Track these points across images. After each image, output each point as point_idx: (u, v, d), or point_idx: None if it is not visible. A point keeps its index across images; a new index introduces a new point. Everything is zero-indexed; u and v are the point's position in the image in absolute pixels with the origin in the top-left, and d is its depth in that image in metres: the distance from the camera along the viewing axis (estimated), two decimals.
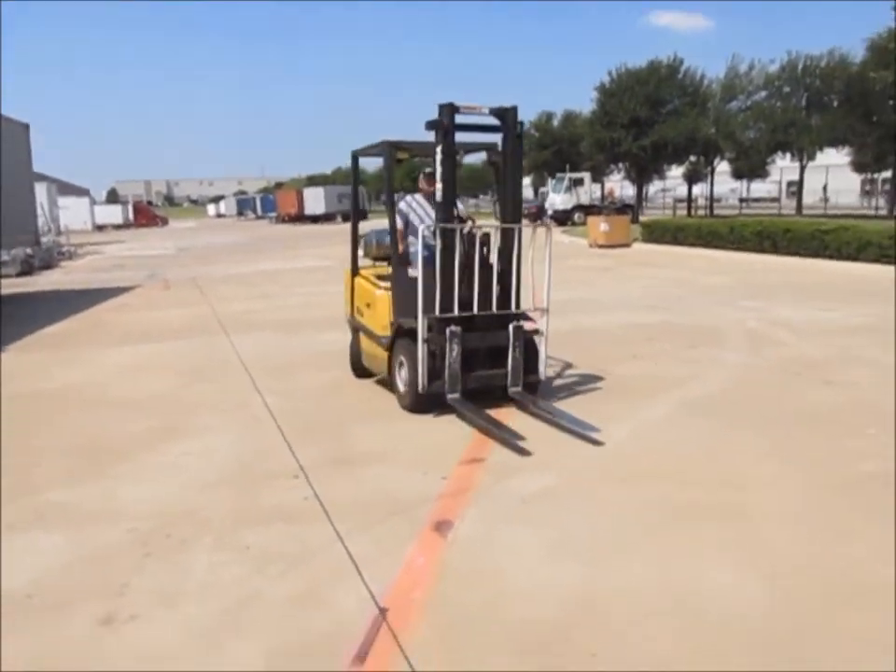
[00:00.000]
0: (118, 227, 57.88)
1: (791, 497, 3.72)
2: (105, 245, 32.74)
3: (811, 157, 34.93)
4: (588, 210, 29.54)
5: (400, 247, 5.61)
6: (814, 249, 15.11)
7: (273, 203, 62.56)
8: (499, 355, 5.27)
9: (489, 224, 5.64)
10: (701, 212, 39.22)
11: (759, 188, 52.69)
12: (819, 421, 4.94)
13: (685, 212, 38.53)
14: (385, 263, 6.05)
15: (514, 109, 5.13)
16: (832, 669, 2.35)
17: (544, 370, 5.50)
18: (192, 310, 10.96)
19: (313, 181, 75.24)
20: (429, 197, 5.58)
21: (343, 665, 2.42)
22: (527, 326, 5.32)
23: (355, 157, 6.35)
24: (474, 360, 5.21)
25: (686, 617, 2.67)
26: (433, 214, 5.40)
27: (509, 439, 4.49)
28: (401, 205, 5.89)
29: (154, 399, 5.94)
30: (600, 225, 20.72)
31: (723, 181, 47.38)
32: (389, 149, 5.51)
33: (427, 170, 5.75)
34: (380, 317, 5.65)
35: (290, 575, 3.03)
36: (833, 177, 40.12)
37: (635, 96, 32.77)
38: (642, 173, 36.50)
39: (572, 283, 11.89)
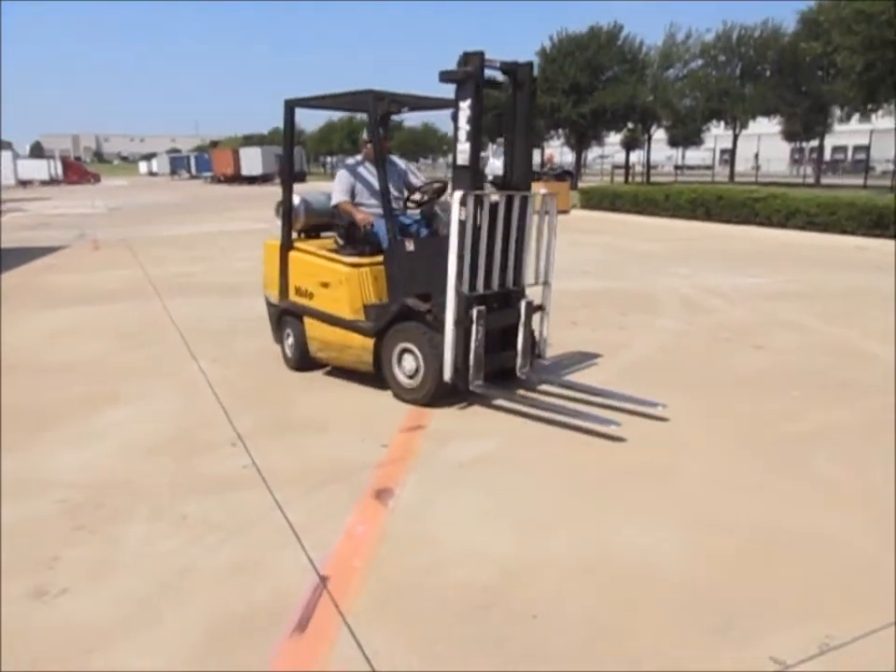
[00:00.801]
0: (45, 183, 55.46)
1: (716, 458, 3.85)
2: (29, 203, 31.34)
3: (744, 125, 35.72)
4: None
5: (359, 218, 5.09)
6: (745, 216, 15.54)
7: (208, 163, 60.81)
8: (507, 334, 4.88)
9: (500, 192, 4.94)
10: (638, 179, 39.73)
11: (694, 155, 53.65)
12: (747, 384, 5.12)
13: (623, 179, 38.96)
14: (308, 236, 5.57)
15: (529, 65, 4.67)
16: (744, 617, 2.46)
17: (545, 349, 5.21)
18: (125, 272, 10.60)
19: (250, 141, 73.25)
20: (375, 163, 5.10)
21: (283, 633, 2.43)
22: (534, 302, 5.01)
23: (290, 107, 5.30)
24: (489, 342, 4.68)
25: (614, 574, 2.76)
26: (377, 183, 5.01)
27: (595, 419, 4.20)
28: (342, 171, 5.39)
29: (86, 364, 5.76)
30: (539, 191, 20.73)
31: (660, 148, 47.94)
32: (374, 102, 4.77)
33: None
34: (350, 299, 4.91)
35: (229, 545, 3.01)
36: (765, 146, 41.07)
37: (575, 62, 32.76)
38: (581, 139, 36.68)
39: None
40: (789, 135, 39.25)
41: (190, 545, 3.00)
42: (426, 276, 4.63)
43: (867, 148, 31.50)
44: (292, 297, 5.40)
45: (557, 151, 45.43)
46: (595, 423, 4.17)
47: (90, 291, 9.07)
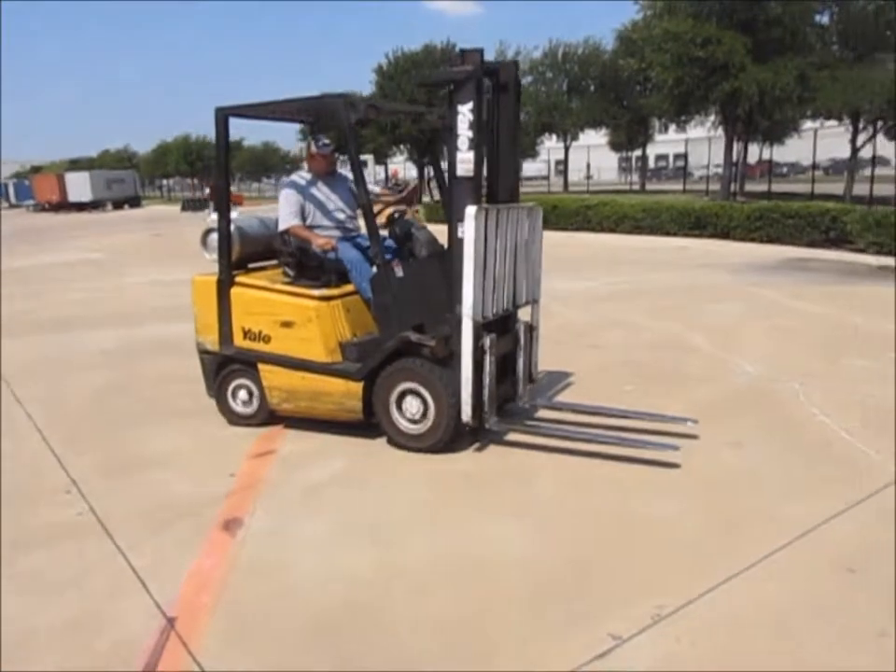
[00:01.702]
0: None
1: (564, 457, 4.06)
2: None
3: (574, 137, 37.76)
4: None
5: (319, 243, 4.43)
6: (579, 223, 16.43)
7: (29, 190, 56.64)
8: (505, 360, 4.43)
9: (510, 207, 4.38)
10: None
11: (530, 167, 55.96)
12: (586, 381, 5.42)
13: None
14: (240, 269, 4.75)
15: (514, 65, 4.35)
16: (599, 594, 2.63)
17: (537, 372, 4.83)
18: None
19: (76, 165, 68.96)
20: (325, 177, 4.74)
21: None
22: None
23: (223, 116, 4.53)
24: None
25: (473, 574, 2.85)
26: (335, 199, 4.67)
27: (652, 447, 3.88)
28: (288, 190, 4.65)
29: None
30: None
31: None
32: (345, 108, 4.12)
33: (325, 141, 4.75)
34: (323, 339, 4.25)
35: (69, 598, 2.84)
36: (595, 156, 43.42)
37: (412, 79, 33.39)
38: (424, 154, 37.40)
39: None
40: (615, 146, 41.80)
41: (28, 603, 2.80)
42: (419, 305, 4.20)
43: (685, 156, 34.13)
44: (238, 342, 4.57)
45: (402, 167, 46.12)
46: (651, 448, 3.89)
47: None
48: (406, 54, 34.56)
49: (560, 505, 3.48)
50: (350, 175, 4.64)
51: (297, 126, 45.42)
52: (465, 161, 3.95)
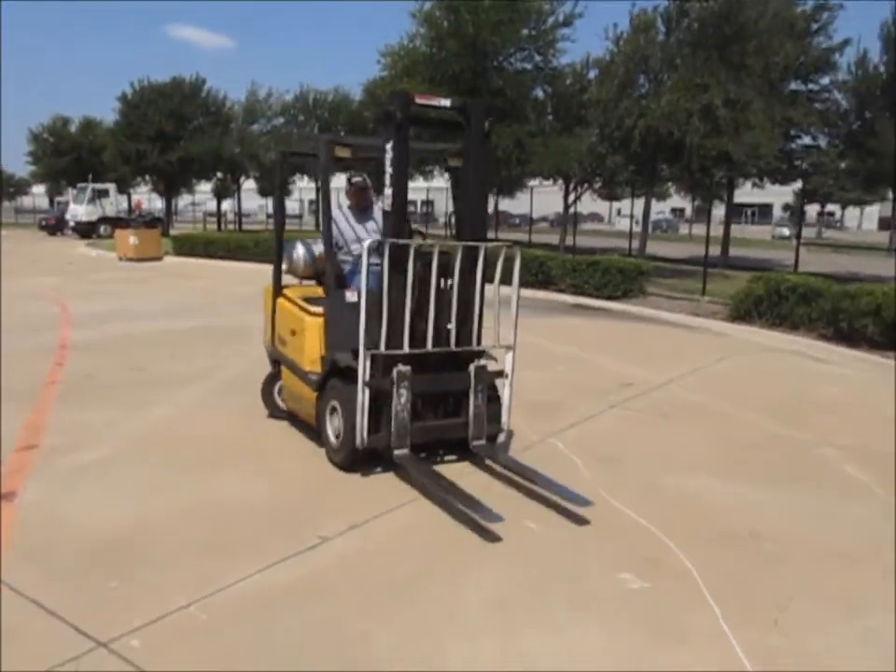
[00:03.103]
0: None
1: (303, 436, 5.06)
2: None
3: (318, 178, 39.21)
4: (115, 222, 28.82)
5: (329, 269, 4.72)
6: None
7: None
8: (456, 401, 4.55)
9: (447, 242, 4.70)
10: (231, 226, 40.89)
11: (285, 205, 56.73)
12: None
13: (216, 226, 39.75)
14: (314, 282, 5.25)
15: (482, 105, 4.53)
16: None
17: (508, 419, 4.72)
18: None
19: None
20: (357, 210, 5.20)
21: None
22: (490, 367, 4.62)
23: (284, 155, 6.18)
24: (426, 408, 4.45)
25: (214, 515, 3.74)
26: (359, 229, 5.02)
27: (479, 517, 3.67)
28: (331, 220, 4.89)
29: None
30: (129, 238, 20.67)
31: (252, 197, 49.87)
32: (327, 147, 4.62)
33: (356, 178, 5.19)
34: (308, 349, 4.72)
35: None
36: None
37: (159, 110, 32.88)
38: (170, 186, 36.70)
39: (106, 295, 12.12)
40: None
41: None
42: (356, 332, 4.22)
43: (429, 203, 37.13)
44: (276, 343, 5.31)
45: (146, 198, 44.53)
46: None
47: None
48: (153, 85, 33.92)
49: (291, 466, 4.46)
50: (379, 207, 4.75)
51: (25, 148, 42.18)
52: (387, 196, 4.20)
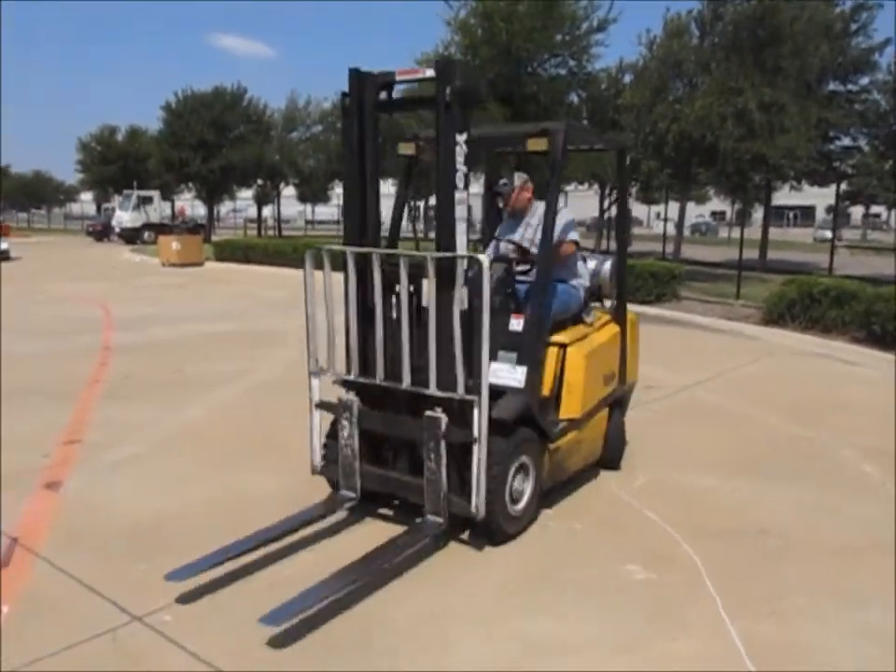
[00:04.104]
0: None
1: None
2: None
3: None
4: (159, 229, 29.63)
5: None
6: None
7: None
8: (416, 455, 3.60)
9: (417, 253, 3.85)
10: (271, 232, 41.61)
11: (324, 210, 57.33)
12: None
13: (256, 232, 40.50)
14: None
15: (455, 63, 3.69)
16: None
17: (483, 499, 3.37)
18: None
19: None
20: (512, 213, 4.54)
21: None
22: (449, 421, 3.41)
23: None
24: (385, 453, 3.79)
25: (234, 501, 3.98)
26: (509, 234, 4.45)
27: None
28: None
29: None
30: (172, 244, 21.25)
31: (291, 204, 50.63)
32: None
33: (503, 180, 4.40)
34: None
35: None
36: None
37: (201, 119, 33.64)
38: (212, 193, 37.50)
39: (148, 300, 12.55)
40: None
41: None
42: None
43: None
44: None
45: (189, 204, 45.56)
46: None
47: None
48: (196, 94, 34.71)
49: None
50: (539, 211, 4.29)
51: (74, 157, 43.47)
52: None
